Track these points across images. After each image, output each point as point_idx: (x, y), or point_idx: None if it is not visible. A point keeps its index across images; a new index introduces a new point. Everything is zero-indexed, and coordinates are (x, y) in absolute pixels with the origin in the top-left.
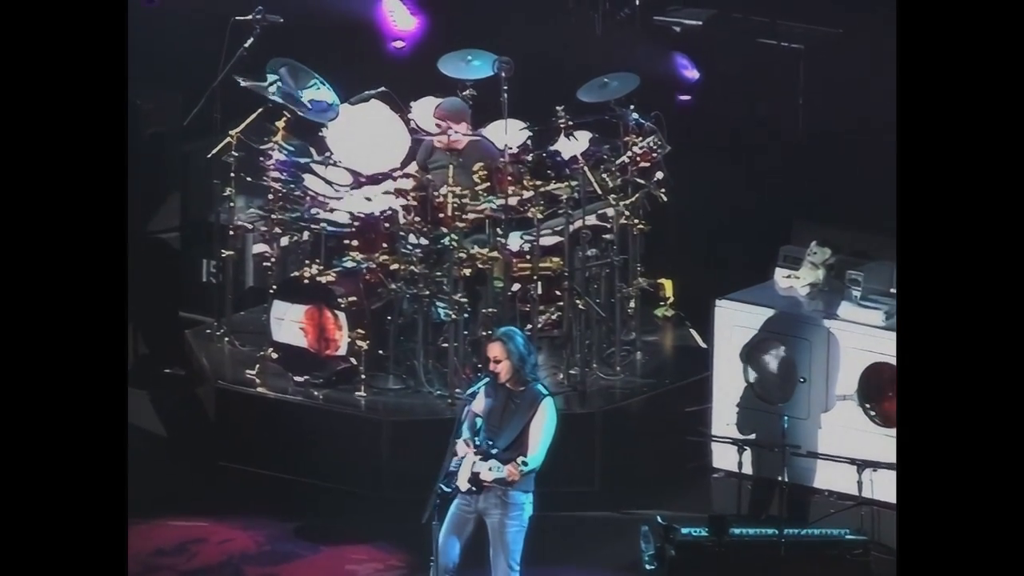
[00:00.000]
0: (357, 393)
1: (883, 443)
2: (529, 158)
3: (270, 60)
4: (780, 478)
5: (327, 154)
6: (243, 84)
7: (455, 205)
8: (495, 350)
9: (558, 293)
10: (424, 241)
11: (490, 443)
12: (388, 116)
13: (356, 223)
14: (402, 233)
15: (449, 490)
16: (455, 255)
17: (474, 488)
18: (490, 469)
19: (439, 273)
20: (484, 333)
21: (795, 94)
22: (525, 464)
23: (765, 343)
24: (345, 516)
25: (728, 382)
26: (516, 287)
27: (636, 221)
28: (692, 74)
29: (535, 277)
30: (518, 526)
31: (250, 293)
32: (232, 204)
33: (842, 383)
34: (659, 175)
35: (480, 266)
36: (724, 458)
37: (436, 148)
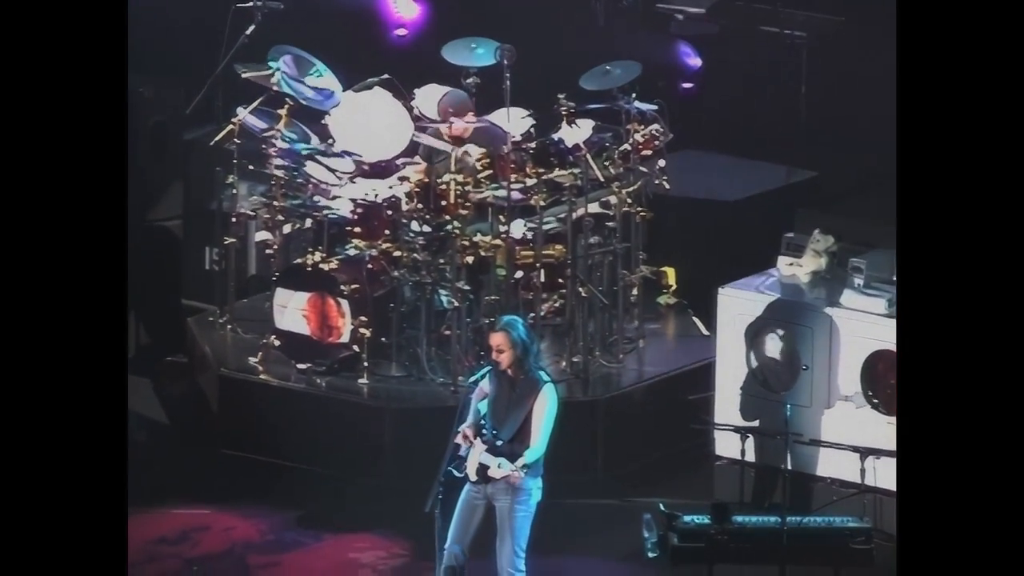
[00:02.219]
0: (360, 381)
1: (885, 431)
2: (532, 146)
3: (272, 47)
4: (782, 466)
5: (330, 141)
6: (245, 75)
7: (458, 192)
8: (498, 339)
9: (561, 281)
10: (427, 228)
11: (495, 433)
12: (391, 103)
13: (358, 210)
14: (404, 220)
15: (460, 475)
16: (458, 242)
17: (481, 479)
18: (499, 466)
19: (442, 260)
20: (487, 321)
21: (798, 82)
22: (526, 467)
23: (767, 331)
24: (348, 504)
25: (731, 370)
26: (519, 275)
27: (639, 209)
28: (694, 62)
29: (538, 265)
30: (525, 512)
31: (252, 281)
32: (234, 192)
33: (845, 371)
34: (661, 163)
35: (483, 254)
36: (727, 446)
37: (440, 138)
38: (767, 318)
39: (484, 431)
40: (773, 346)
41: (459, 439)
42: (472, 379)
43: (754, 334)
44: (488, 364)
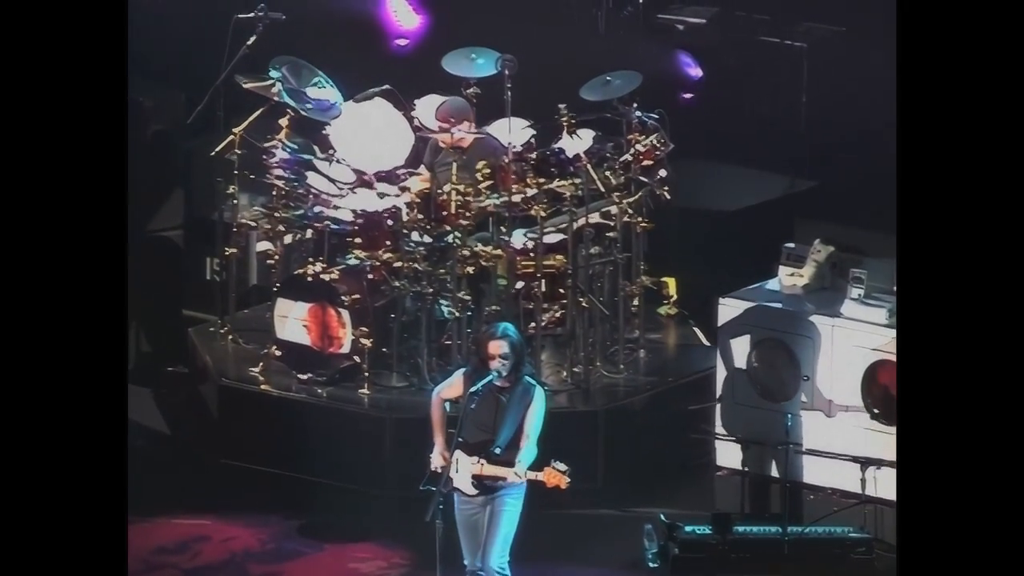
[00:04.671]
0: (360, 391)
1: (886, 441)
2: (533, 156)
3: (273, 58)
4: (783, 476)
5: (331, 151)
6: (245, 85)
7: (458, 203)
8: (503, 348)
9: (561, 291)
10: (427, 239)
11: (490, 440)
12: (391, 114)
13: (359, 221)
14: (405, 231)
15: (446, 490)
16: (458, 252)
17: (483, 490)
18: (522, 474)
19: (442, 271)
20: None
21: (798, 92)
22: (562, 466)
23: (768, 341)
24: (349, 514)
25: (731, 380)
26: (519, 285)
27: (639, 219)
28: (695, 72)
29: (538, 275)
30: (515, 509)
31: (253, 291)
32: (235, 202)
33: (845, 381)
34: (662, 173)
35: (484, 264)
36: (727, 456)
37: (441, 147)
38: (767, 329)
39: (462, 439)
40: (773, 357)
41: (441, 463)
42: (473, 389)
43: (754, 344)
44: (490, 373)
